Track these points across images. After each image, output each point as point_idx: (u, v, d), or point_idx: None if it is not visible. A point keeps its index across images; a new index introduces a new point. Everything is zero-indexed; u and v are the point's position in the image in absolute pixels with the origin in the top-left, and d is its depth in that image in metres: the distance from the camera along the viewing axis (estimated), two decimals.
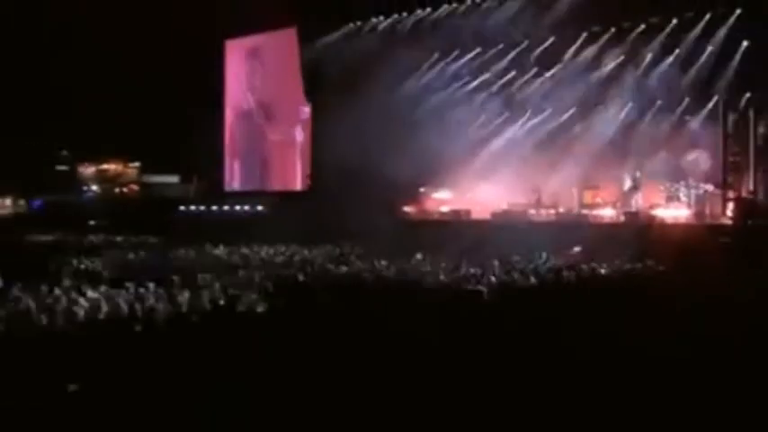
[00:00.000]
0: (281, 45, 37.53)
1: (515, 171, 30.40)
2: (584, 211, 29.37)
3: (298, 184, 36.82)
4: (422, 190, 32.57)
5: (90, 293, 12.61)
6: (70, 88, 46.50)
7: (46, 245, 29.05)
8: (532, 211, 29.84)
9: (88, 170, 61.18)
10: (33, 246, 29.15)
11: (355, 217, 28.50)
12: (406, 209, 31.95)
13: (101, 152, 59.92)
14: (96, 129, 53.15)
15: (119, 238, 30.91)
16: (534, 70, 32.35)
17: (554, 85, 31.68)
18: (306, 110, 36.13)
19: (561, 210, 29.91)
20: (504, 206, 30.48)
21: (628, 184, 29.05)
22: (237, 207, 37.86)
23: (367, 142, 30.78)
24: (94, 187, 59.19)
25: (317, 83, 35.02)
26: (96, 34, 41.31)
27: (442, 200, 32.33)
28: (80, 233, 34.95)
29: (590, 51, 30.79)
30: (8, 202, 69.78)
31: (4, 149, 57.43)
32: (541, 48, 31.97)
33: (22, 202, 64.88)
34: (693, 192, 27.42)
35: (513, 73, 32.86)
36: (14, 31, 45.57)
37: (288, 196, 36.57)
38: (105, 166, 60.32)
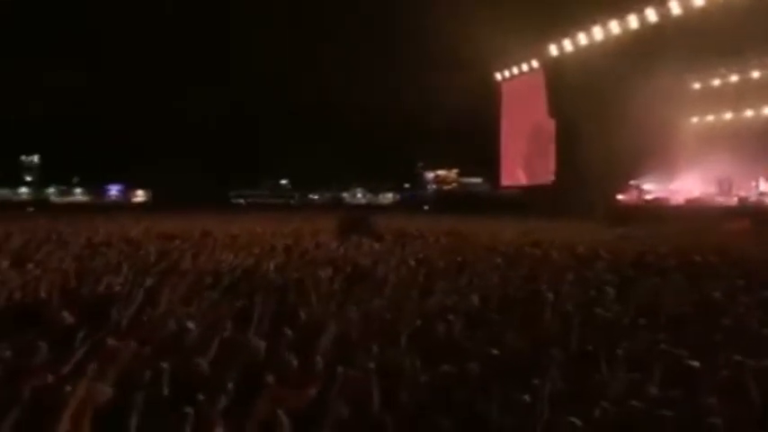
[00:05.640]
0: (534, 81, 35.00)
1: (705, 165, 25.56)
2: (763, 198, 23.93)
3: (546, 180, 34.33)
4: (632, 182, 28.76)
5: None
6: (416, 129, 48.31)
7: None
8: (720, 198, 25.07)
9: (430, 175, 64.03)
10: None
11: (581, 201, 26.29)
12: (620, 196, 28.44)
13: (437, 164, 62.74)
14: (435, 151, 55.37)
15: None
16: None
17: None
18: (552, 124, 33.45)
19: (742, 194, 24.67)
20: (697, 193, 25.98)
21: None
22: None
23: (592, 148, 28.11)
24: (433, 186, 61.68)
25: (558, 106, 32.25)
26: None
27: (647, 190, 28.32)
28: None
29: None
30: (390, 195, 75.37)
31: (391, 168, 62.51)
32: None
33: (397, 195, 69.67)
34: None
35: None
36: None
37: (540, 188, 34.42)
38: (439, 172, 62.85)
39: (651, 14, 24.14)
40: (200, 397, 3.19)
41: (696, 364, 4.48)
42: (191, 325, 4.63)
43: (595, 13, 26.81)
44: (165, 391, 3.32)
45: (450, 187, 58.69)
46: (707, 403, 3.50)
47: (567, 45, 30.03)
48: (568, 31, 29.20)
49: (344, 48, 50.83)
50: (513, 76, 36.91)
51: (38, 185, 79.85)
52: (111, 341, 3.94)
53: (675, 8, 22.95)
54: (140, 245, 10.79)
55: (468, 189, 53.30)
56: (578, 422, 3.06)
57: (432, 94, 43.02)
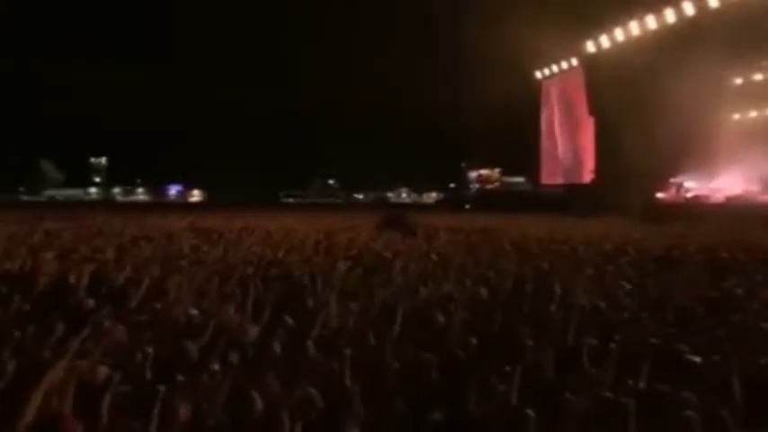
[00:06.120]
0: (574, 79, 34.13)
1: (748, 163, 24.40)
2: None
3: (585, 179, 33.45)
4: (672, 180, 27.72)
5: None
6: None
7: None
8: (763, 196, 23.90)
9: (473, 174, 63.42)
10: None
11: (621, 199, 25.58)
12: (659, 194, 27.46)
13: (480, 163, 62.20)
14: (478, 150, 54.96)
15: None
16: None
17: None
18: (591, 122, 32.51)
19: None
20: (739, 191, 24.85)
21: None
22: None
23: (632, 146, 27.26)
24: (476, 185, 61.05)
25: (597, 103, 31.35)
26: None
27: (687, 188, 27.25)
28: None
29: None
30: (434, 194, 75.30)
31: (436, 167, 62.50)
32: None
33: (441, 195, 69.72)
34: None
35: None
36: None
37: (580, 186, 33.55)
38: (482, 172, 62.18)
39: (688, 7, 23.05)
40: (180, 377, 3.25)
41: (697, 359, 4.29)
42: (194, 311, 4.71)
43: (632, 7, 25.92)
44: (148, 372, 3.38)
45: (492, 186, 57.90)
46: (684, 397, 3.34)
47: (605, 41, 29.13)
48: (606, 27, 28.34)
49: (389, 52, 50.98)
50: (552, 75, 36.16)
51: (105, 186, 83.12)
52: (106, 323, 4.04)
53: (713, 0, 21.86)
54: (177, 239, 11.10)
55: (510, 188, 52.50)
56: (532, 413, 2.96)
57: (474, 94, 42.62)
